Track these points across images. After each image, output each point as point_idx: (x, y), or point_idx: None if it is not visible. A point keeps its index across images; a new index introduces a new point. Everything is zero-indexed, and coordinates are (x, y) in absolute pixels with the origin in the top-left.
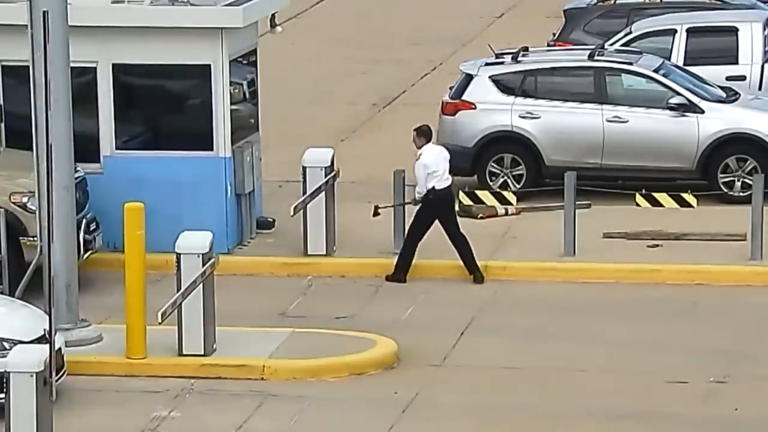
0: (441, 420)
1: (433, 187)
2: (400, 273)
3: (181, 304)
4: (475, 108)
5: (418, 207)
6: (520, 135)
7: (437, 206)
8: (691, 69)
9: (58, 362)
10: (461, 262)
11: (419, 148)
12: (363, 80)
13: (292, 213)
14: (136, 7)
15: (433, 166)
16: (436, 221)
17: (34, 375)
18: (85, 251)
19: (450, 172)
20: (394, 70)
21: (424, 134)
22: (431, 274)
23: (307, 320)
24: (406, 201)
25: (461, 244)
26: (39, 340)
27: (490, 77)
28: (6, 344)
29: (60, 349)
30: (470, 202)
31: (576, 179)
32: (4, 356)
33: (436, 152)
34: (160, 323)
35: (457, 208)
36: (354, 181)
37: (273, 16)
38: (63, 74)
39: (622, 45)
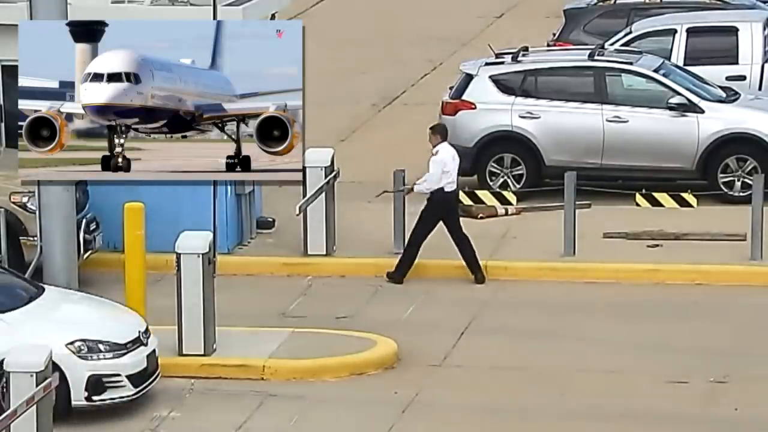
0: (441, 420)
1: (442, 189)
2: (401, 273)
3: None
4: (475, 108)
5: (422, 208)
6: (520, 135)
7: (442, 208)
8: (691, 69)
9: (152, 365)
10: (462, 262)
11: (435, 146)
12: (363, 80)
13: (297, 212)
14: (136, 7)
15: (448, 165)
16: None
17: (34, 375)
18: (85, 251)
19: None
20: (394, 70)
21: (439, 132)
22: (431, 274)
23: (307, 320)
24: (404, 187)
25: (464, 245)
26: (133, 343)
27: (490, 77)
28: (102, 347)
29: (154, 351)
30: (470, 202)
31: (576, 179)
32: (106, 358)
33: (451, 153)
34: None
35: None
36: (354, 181)
37: (273, 16)
38: None
39: (622, 45)
